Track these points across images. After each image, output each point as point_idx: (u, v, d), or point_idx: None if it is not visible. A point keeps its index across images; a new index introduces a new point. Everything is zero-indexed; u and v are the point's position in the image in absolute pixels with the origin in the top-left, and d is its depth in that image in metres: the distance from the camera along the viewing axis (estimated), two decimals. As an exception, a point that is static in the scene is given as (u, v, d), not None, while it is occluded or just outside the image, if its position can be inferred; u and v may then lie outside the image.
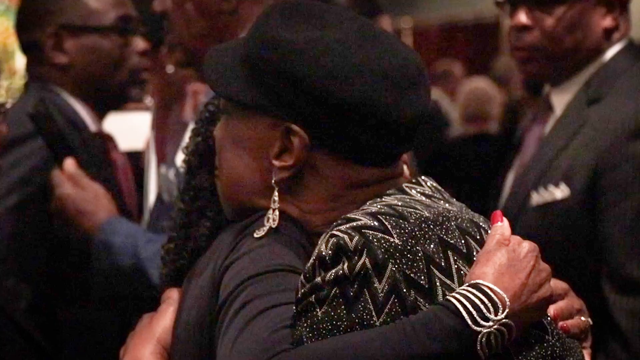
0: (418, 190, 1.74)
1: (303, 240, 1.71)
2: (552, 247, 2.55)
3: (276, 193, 1.72)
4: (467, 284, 1.60)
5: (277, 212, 1.71)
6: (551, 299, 1.68)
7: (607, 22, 2.84)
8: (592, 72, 2.85)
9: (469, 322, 1.55)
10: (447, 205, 1.73)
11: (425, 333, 1.54)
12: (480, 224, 1.73)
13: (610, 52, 2.87)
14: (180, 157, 2.44)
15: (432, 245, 1.63)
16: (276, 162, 1.71)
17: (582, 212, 2.69)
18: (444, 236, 1.65)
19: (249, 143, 1.74)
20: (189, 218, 1.94)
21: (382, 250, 1.59)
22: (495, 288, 1.58)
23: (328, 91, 1.66)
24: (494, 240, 1.66)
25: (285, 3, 1.76)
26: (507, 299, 1.58)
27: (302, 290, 1.60)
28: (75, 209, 2.77)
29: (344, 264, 1.58)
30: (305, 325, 1.58)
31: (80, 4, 2.99)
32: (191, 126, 2.11)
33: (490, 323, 1.56)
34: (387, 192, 1.72)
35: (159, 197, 2.87)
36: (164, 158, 3.49)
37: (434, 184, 1.78)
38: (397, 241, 1.60)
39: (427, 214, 1.66)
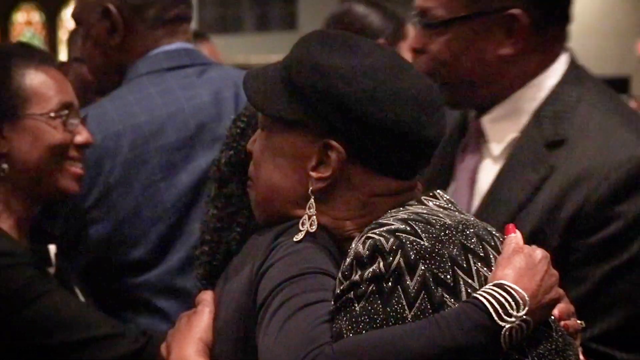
0: (435, 203, 1.76)
1: (332, 248, 1.72)
2: None
3: (312, 201, 1.73)
4: (491, 284, 1.61)
5: (314, 218, 1.72)
6: (559, 300, 1.71)
7: (506, 49, 2.23)
8: (524, 100, 2.26)
9: (495, 317, 1.57)
10: (462, 215, 1.75)
11: (456, 327, 1.55)
12: (493, 232, 1.75)
13: (548, 78, 2.28)
14: None
15: (455, 249, 1.64)
16: (313, 174, 1.73)
17: None
18: (465, 241, 1.66)
19: (288, 156, 1.75)
20: (221, 223, 1.94)
21: (414, 251, 1.61)
22: (517, 288, 1.61)
23: (366, 111, 1.68)
24: (511, 247, 1.68)
25: (322, 33, 1.79)
26: (527, 298, 1.60)
27: (341, 287, 1.61)
28: None
29: (379, 263, 1.60)
30: (344, 319, 1.59)
31: None
32: None
33: (513, 319, 1.58)
34: (409, 202, 1.73)
35: None
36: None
37: (449, 198, 1.80)
38: (426, 244, 1.62)
39: (449, 222, 1.68)
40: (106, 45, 2.65)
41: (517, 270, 1.64)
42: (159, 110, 2.57)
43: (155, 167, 2.53)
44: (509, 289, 1.60)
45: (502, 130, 2.31)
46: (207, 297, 1.83)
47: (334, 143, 1.70)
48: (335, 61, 1.71)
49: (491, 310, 1.57)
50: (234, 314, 1.74)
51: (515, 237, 1.71)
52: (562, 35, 2.31)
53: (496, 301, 1.58)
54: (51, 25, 19.08)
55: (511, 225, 1.73)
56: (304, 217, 1.72)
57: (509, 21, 2.21)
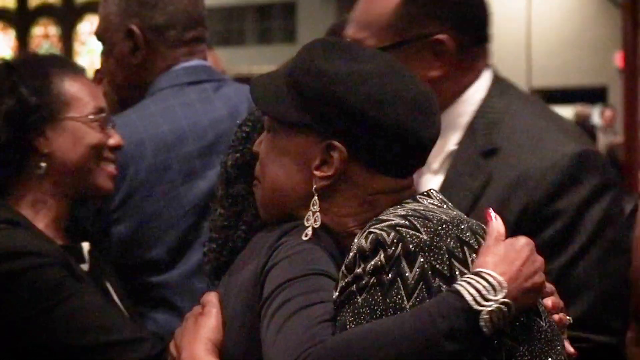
0: (429, 201, 1.75)
1: (333, 249, 1.71)
2: None
3: (316, 198, 1.72)
4: (470, 272, 1.60)
5: (317, 214, 1.71)
6: (543, 285, 1.68)
7: (435, 71, 2.23)
8: (456, 115, 2.28)
9: (471, 302, 1.55)
10: (455, 212, 1.74)
11: (436, 314, 1.54)
12: (484, 227, 1.73)
13: (475, 93, 2.29)
14: None
15: (452, 242, 1.63)
16: (317, 173, 1.71)
17: None
18: (460, 235, 1.65)
19: (293, 156, 1.74)
20: (228, 221, 1.93)
21: (414, 244, 1.60)
22: (492, 273, 1.58)
23: (366, 114, 1.67)
24: (492, 237, 1.66)
25: (324, 41, 1.78)
26: (504, 282, 1.58)
27: (345, 281, 1.60)
28: None
29: (381, 256, 1.59)
30: (348, 311, 1.58)
31: None
32: None
33: (491, 303, 1.56)
34: (406, 200, 1.72)
35: None
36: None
37: (441, 196, 1.78)
38: (425, 237, 1.61)
39: (446, 217, 1.67)
40: (128, 63, 2.66)
41: (496, 257, 1.61)
42: (180, 121, 2.58)
43: (176, 173, 2.53)
44: (484, 274, 1.58)
45: (438, 145, 2.25)
46: (212, 299, 1.81)
47: (336, 144, 1.69)
48: (338, 67, 1.70)
49: (467, 295, 1.55)
50: (240, 308, 1.73)
51: (496, 225, 1.68)
52: (484, 53, 2.34)
53: (472, 287, 1.56)
54: (67, 38, 19.08)
55: (489, 211, 1.71)
56: (308, 214, 1.71)
57: (436, 46, 2.23)
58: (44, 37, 19.65)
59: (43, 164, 2.23)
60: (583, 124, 10.38)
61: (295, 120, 1.72)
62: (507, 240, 1.66)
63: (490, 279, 1.57)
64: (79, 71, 2.34)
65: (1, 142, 2.20)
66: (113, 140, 2.32)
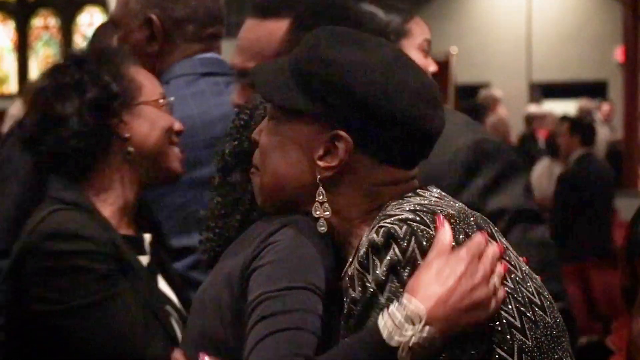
0: (429, 194, 1.71)
1: (326, 253, 1.68)
2: None
3: (321, 188, 1.68)
4: (397, 299, 1.55)
5: (326, 205, 1.67)
6: (489, 301, 1.58)
7: None
8: None
9: (386, 339, 1.52)
10: (458, 204, 1.71)
11: (359, 347, 1.53)
12: (488, 221, 1.71)
13: None
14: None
15: (461, 236, 1.60)
16: (321, 163, 1.67)
17: None
18: (467, 230, 1.62)
19: (295, 145, 1.70)
20: (225, 210, 1.90)
21: (425, 239, 1.57)
22: (411, 303, 1.53)
23: (374, 103, 1.64)
24: (434, 250, 1.58)
25: (331, 29, 1.73)
26: (423, 311, 1.52)
27: (364, 286, 1.57)
28: None
29: (394, 249, 1.56)
30: (374, 314, 1.56)
31: None
32: None
33: (409, 334, 1.52)
34: (408, 194, 1.68)
35: None
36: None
37: (440, 191, 1.74)
38: (434, 233, 1.59)
39: (452, 212, 1.64)
40: (143, 52, 2.64)
41: (427, 277, 1.55)
42: (191, 111, 2.58)
43: (183, 160, 2.50)
44: (405, 303, 1.53)
45: None
46: None
47: (342, 134, 1.65)
48: (345, 55, 1.66)
49: (384, 331, 1.52)
50: (224, 296, 1.71)
51: (441, 236, 1.60)
52: None
53: (390, 320, 1.53)
54: (67, 29, 19.04)
55: (440, 217, 1.63)
56: (315, 205, 1.68)
57: None
58: (44, 28, 19.59)
59: (131, 149, 2.22)
60: (586, 119, 10.32)
61: (300, 108, 1.68)
62: (448, 254, 1.58)
63: (409, 309, 1.52)
64: (136, 62, 2.34)
65: (88, 130, 2.19)
66: (177, 125, 2.32)
